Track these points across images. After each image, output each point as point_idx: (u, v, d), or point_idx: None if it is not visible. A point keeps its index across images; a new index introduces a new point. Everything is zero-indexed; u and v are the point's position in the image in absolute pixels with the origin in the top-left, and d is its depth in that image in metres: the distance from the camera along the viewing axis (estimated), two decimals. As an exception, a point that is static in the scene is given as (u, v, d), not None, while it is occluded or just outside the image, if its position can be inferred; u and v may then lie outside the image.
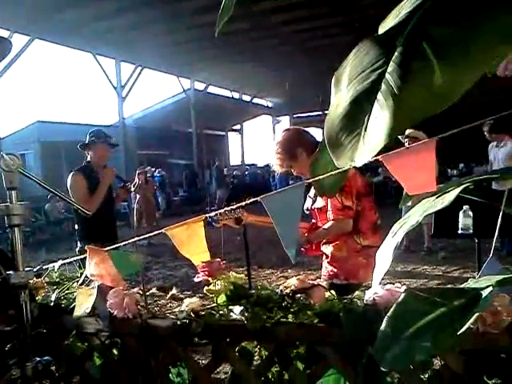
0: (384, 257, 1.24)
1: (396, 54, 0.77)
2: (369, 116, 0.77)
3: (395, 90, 0.74)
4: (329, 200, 2.71)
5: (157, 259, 8.61)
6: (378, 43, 0.84)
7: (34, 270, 1.43)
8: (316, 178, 1.46)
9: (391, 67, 0.76)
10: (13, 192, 1.36)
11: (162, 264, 8.34)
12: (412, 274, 6.29)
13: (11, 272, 1.36)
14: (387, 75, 0.76)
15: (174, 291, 1.82)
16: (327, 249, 2.83)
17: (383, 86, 0.76)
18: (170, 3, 12.02)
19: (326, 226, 2.75)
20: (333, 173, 1.42)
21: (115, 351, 1.82)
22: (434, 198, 1.25)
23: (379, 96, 0.76)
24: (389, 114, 0.73)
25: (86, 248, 1.81)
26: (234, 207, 1.80)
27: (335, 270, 2.76)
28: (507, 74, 1.22)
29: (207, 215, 1.74)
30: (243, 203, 1.61)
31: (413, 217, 1.23)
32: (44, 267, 1.74)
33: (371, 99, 0.77)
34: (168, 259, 8.74)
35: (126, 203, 15.63)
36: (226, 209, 1.77)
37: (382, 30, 0.89)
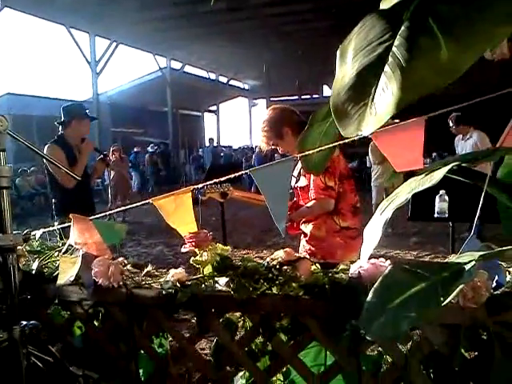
0: (372, 233, 1.26)
1: (403, 28, 0.79)
2: (376, 87, 0.78)
3: (402, 63, 0.76)
4: (311, 179, 2.74)
5: (131, 236, 8.56)
6: (385, 17, 0.86)
7: (23, 233, 1.40)
8: (305, 154, 1.47)
9: (398, 41, 0.78)
10: (1, 154, 1.34)
11: (136, 241, 8.30)
12: (385, 258, 6.40)
13: (-1, 235, 1.34)
14: (394, 48, 0.78)
15: (149, 268, 1.82)
16: (306, 228, 2.86)
17: (390, 59, 0.77)
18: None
19: (308, 205, 2.79)
20: (321, 148, 1.44)
21: (98, 320, 1.82)
22: (422, 176, 1.28)
23: (386, 68, 0.77)
24: (396, 86, 0.75)
25: (70, 217, 1.79)
26: (222, 179, 1.80)
27: (313, 249, 2.81)
28: (494, 57, 1.25)
29: (194, 186, 1.75)
30: (235, 175, 1.62)
31: (401, 195, 1.25)
32: (34, 232, 1.71)
33: (378, 71, 0.78)
34: (142, 237, 8.71)
35: (100, 180, 15.46)
36: (215, 180, 1.77)
37: (385, 4, 0.90)
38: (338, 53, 0.89)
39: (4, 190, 1.35)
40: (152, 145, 18.53)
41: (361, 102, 0.80)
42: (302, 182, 2.82)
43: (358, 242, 2.84)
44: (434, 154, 13.47)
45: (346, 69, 0.85)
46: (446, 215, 3.26)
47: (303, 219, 2.88)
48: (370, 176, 8.18)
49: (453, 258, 1.42)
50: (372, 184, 8.04)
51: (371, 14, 0.88)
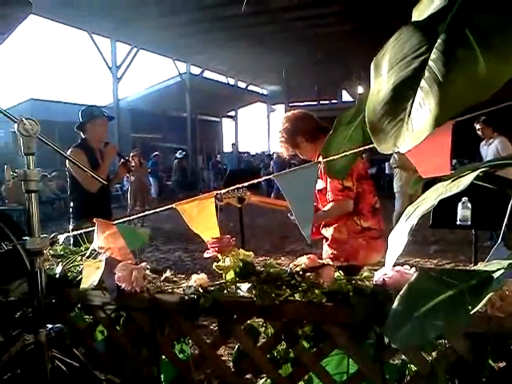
0: (397, 240, 1.24)
1: (439, 41, 0.77)
2: (412, 103, 0.77)
3: (439, 78, 0.74)
4: (328, 181, 2.73)
5: (150, 242, 8.60)
6: (420, 30, 0.84)
7: (50, 236, 1.42)
8: (329, 159, 1.46)
9: (434, 54, 0.76)
10: (30, 157, 1.35)
11: (154, 247, 8.33)
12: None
13: (27, 238, 1.35)
14: (430, 62, 0.76)
15: (168, 274, 1.83)
16: (327, 231, 2.86)
17: (427, 73, 0.76)
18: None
19: (326, 208, 2.78)
20: (346, 153, 1.43)
21: (120, 325, 1.83)
22: (449, 182, 1.26)
23: (423, 83, 0.76)
24: (434, 102, 0.73)
25: (91, 221, 1.81)
26: (241, 186, 1.80)
27: (335, 252, 2.79)
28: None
29: (217, 192, 1.75)
30: (254, 181, 1.61)
31: (427, 201, 1.24)
32: (58, 236, 1.73)
33: (415, 86, 0.77)
34: (161, 242, 8.74)
35: (119, 185, 15.60)
36: (236, 186, 1.77)
37: (416, 15, 0.89)
38: (372, 66, 0.88)
39: (32, 194, 1.37)
40: (180, 151, 18.79)
41: (397, 118, 0.79)
42: (320, 184, 2.81)
43: (380, 242, 2.82)
44: (455, 161, 13.30)
45: (381, 83, 0.84)
46: (469, 223, 3.21)
47: (323, 223, 2.87)
48: (388, 182, 8.12)
49: (480, 266, 1.40)
50: (396, 191, 7.95)
51: (406, 26, 0.87)
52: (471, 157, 9.23)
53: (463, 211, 3.22)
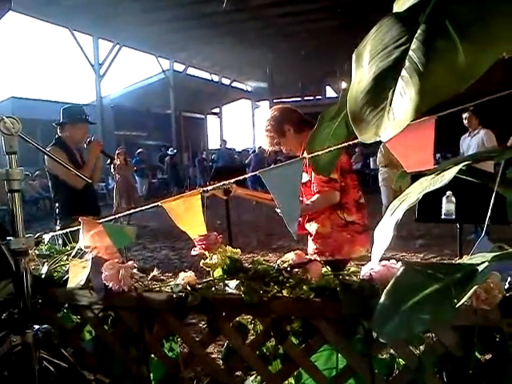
0: (383, 235, 1.25)
1: (419, 31, 0.78)
2: (393, 92, 0.78)
3: (420, 67, 0.75)
4: (313, 173, 2.73)
5: (137, 240, 8.55)
6: (400, 21, 0.85)
7: (35, 236, 1.40)
8: (313, 154, 1.46)
9: (415, 44, 0.77)
10: (12, 156, 1.34)
11: (141, 245, 8.29)
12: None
13: (11, 238, 1.34)
14: (411, 52, 0.77)
15: (155, 272, 1.82)
16: (311, 226, 2.86)
17: (407, 63, 0.77)
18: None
19: (311, 199, 2.78)
20: (331, 149, 1.43)
21: (108, 324, 1.82)
22: (433, 176, 1.27)
23: (404, 72, 0.77)
24: (414, 91, 0.74)
25: (78, 220, 1.79)
26: (227, 182, 1.80)
27: (320, 247, 2.80)
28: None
29: (203, 189, 1.74)
30: (243, 177, 1.61)
31: (412, 195, 1.25)
32: (43, 235, 1.72)
33: (395, 75, 0.78)
34: (148, 241, 8.70)
35: (104, 184, 15.47)
36: (224, 182, 1.76)
37: (397, 7, 0.90)
38: (353, 57, 0.89)
39: (16, 193, 1.35)
40: (171, 148, 18.86)
41: (378, 107, 0.80)
42: (304, 177, 2.81)
43: (364, 236, 2.83)
44: (438, 155, 13.44)
45: (363, 73, 0.85)
46: (453, 216, 3.25)
47: (307, 218, 2.88)
48: (374, 177, 8.17)
49: (465, 259, 1.41)
50: (380, 185, 8.00)
51: (386, 17, 0.88)
52: (453, 152, 9.33)
53: (448, 205, 3.25)
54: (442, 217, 3.28)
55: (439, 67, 0.74)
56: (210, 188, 1.79)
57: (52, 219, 4.45)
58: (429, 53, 0.75)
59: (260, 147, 14.66)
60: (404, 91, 0.76)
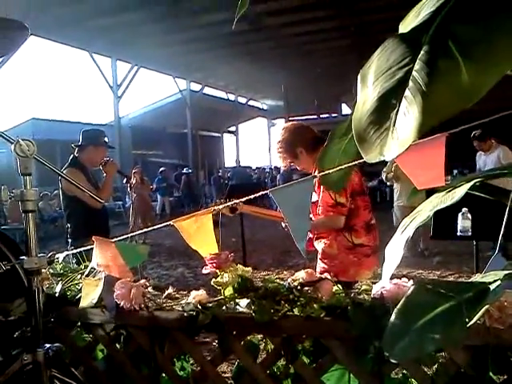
0: (394, 252, 1.24)
1: (422, 52, 0.79)
2: (397, 112, 0.79)
3: (423, 87, 0.76)
4: (321, 195, 2.73)
5: (152, 259, 8.59)
6: (404, 41, 0.86)
7: (47, 255, 1.42)
8: (324, 173, 1.47)
9: (418, 65, 0.78)
10: (27, 178, 1.37)
11: (157, 263, 8.31)
12: (407, 278, 6.31)
13: (24, 257, 1.36)
14: (414, 73, 0.78)
15: (170, 290, 1.83)
16: (318, 245, 2.86)
17: (411, 83, 0.78)
18: (168, 3, 12.01)
19: (317, 219, 2.77)
20: (341, 167, 1.44)
21: (120, 343, 1.82)
22: (444, 193, 1.26)
23: (407, 93, 0.78)
24: (418, 111, 0.75)
25: (91, 240, 1.81)
26: (241, 200, 1.80)
27: (326, 267, 2.78)
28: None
29: (215, 208, 1.75)
30: (255, 195, 1.62)
31: (423, 212, 1.24)
32: (56, 255, 1.74)
33: (399, 96, 0.79)
34: (163, 259, 8.72)
35: (121, 202, 15.61)
36: (233, 203, 1.77)
37: (403, 28, 0.91)
38: (358, 77, 0.90)
39: (30, 214, 1.38)
40: (186, 168, 19.15)
41: (382, 127, 0.80)
42: (314, 197, 2.81)
43: (372, 259, 2.81)
44: (455, 172, 13.31)
45: (367, 93, 0.86)
46: (470, 233, 3.20)
47: (315, 236, 2.86)
48: (390, 194, 8.14)
49: (477, 278, 1.39)
50: (394, 204, 7.92)
51: (391, 38, 0.89)
52: (472, 168, 9.24)
53: (463, 222, 3.21)
54: (458, 234, 3.24)
55: (442, 87, 0.75)
56: (218, 208, 1.79)
57: (64, 240, 4.46)
58: (432, 73, 0.76)
59: (281, 166, 14.66)
60: (407, 111, 0.77)
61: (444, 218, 3.27)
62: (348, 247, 2.77)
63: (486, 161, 6.89)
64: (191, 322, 1.58)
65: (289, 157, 2.92)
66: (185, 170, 18.82)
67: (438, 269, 6.74)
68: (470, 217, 3.18)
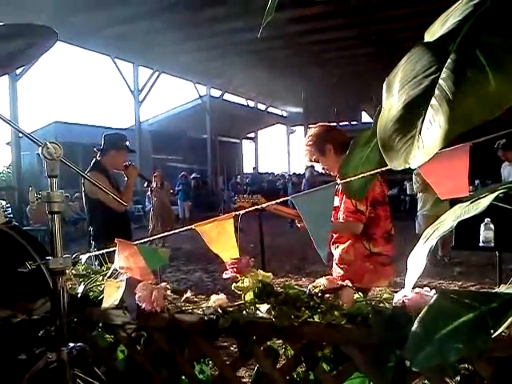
0: (416, 262, 1.23)
1: (449, 60, 0.79)
2: (423, 120, 0.79)
3: (449, 96, 0.76)
4: (343, 201, 2.73)
5: (171, 262, 8.64)
6: (431, 50, 0.87)
7: (72, 256, 1.45)
8: (346, 180, 1.47)
9: (445, 73, 0.78)
10: (54, 180, 1.39)
11: (175, 267, 8.36)
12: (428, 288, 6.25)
13: (50, 258, 1.39)
14: (441, 81, 0.78)
15: (188, 294, 1.84)
16: (336, 250, 2.86)
17: (437, 92, 0.78)
18: (189, 10, 12.14)
19: (335, 222, 2.77)
20: (364, 175, 1.44)
21: (140, 344, 1.84)
22: (467, 203, 1.25)
23: (433, 101, 0.78)
24: (444, 119, 0.75)
25: (113, 242, 1.84)
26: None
27: (342, 273, 2.78)
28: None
29: (236, 213, 1.76)
30: (278, 200, 1.63)
31: (445, 222, 1.23)
32: (80, 256, 1.77)
33: (425, 104, 0.79)
34: (182, 263, 8.77)
35: (141, 206, 15.75)
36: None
37: (429, 37, 0.92)
38: (384, 85, 0.91)
39: (55, 215, 1.40)
40: (194, 174, 19.25)
41: (408, 135, 0.81)
42: (335, 201, 2.81)
43: (388, 269, 2.81)
44: (477, 182, 13.14)
45: (393, 101, 0.86)
46: (492, 244, 3.17)
47: (332, 240, 2.86)
48: (410, 203, 8.07)
49: (502, 289, 1.38)
50: (418, 212, 7.84)
51: (417, 47, 0.89)
52: (494, 178, 9.13)
53: (486, 232, 3.17)
54: (480, 244, 3.20)
55: (469, 96, 0.75)
56: (242, 212, 1.80)
57: (87, 243, 4.52)
58: (459, 82, 0.76)
59: (310, 168, 14.58)
60: (433, 119, 0.77)
61: (466, 229, 3.24)
62: (365, 255, 2.77)
63: (510, 171, 6.82)
64: (211, 325, 1.59)
65: (316, 152, 2.92)
66: (194, 175, 18.82)
67: (459, 279, 6.65)
68: (493, 227, 3.15)
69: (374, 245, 2.77)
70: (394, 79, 0.89)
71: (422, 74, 0.83)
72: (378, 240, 2.79)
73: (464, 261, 7.57)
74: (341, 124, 23.18)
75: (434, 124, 0.76)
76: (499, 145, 6.72)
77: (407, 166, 0.82)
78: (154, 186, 10.24)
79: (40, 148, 1.37)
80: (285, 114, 31.58)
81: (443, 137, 0.75)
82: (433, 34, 0.91)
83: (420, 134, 0.79)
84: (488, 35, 0.78)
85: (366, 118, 25.04)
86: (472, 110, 0.74)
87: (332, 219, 2.81)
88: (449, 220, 1.22)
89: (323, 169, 3.01)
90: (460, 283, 6.46)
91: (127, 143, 4.43)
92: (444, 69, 0.79)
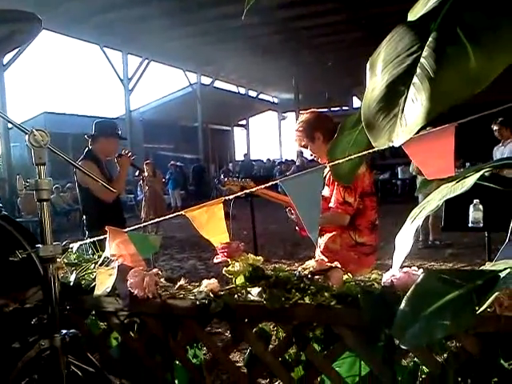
0: (403, 241, 1.25)
1: (430, 39, 0.80)
2: (405, 99, 0.80)
3: (431, 74, 0.77)
4: (334, 191, 2.75)
5: (164, 251, 8.66)
6: (412, 29, 0.87)
7: (62, 244, 1.46)
8: (334, 163, 1.47)
9: (426, 52, 0.79)
10: (41, 167, 1.40)
11: (169, 256, 8.39)
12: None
13: (39, 245, 1.39)
14: (422, 59, 0.79)
15: (182, 282, 1.85)
16: (321, 239, 2.88)
17: (419, 70, 0.79)
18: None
19: (323, 215, 2.79)
20: (351, 157, 1.44)
21: (134, 331, 1.86)
22: (453, 183, 1.27)
23: (415, 79, 0.79)
24: (425, 97, 0.76)
25: (105, 230, 1.85)
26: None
27: (326, 261, 2.80)
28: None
29: (225, 198, 1.77)
30: (267, 184, 1.64)
31: (432, 202, 1.25)
32: (70, 244, 1.77)
33: (407, 83, 0.80)
34: (175, 251, 8.79)
35: (133, 195, 15.70)
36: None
37: (412, 16, 0.92)
38: (367, 65, 0.91)
39: (44, 203, 1.41)
40: (179, 161, 19.15)
41: (391, 114, 0.82)
42: (325, 191, 2.83)
43: (371, 258, 2.88)
44: (468, 164, 13.20)
45: (376, 81, 0.87)
46: (481, 225, 3.20)
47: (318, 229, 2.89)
48: (402, 187, 8.15)
49: (487, 266, 1.40)
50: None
51: (399, 26, 0.89)
52: (485, 160, 9.17)
53: (475, 213, 3.20)
54: (470, 225, 3.23)
55: (450, 73, 0.75)
56: (231, 197, 1.81)
57: (82, 230, 4.53)
58: (440, 60, 0.77)
59: (301, 154, 14.35)
60: (415, 97, 0.78)
61: (455, 210, 3.27)
62: (350, 245, 2.82)
63: (503, 152, 6.86)
64: (203, 310, 1.60)
65: (306, 139, 2.95)
66: (178, 163, 18.71)
67: (451, 261, 6.73)
68: (482, 208, 3.17)
69: (360, 235, 2.82)
70: (376, 59, 0.90)
71: (404, 53, 0.83)
72: (364, 230, 2.83)
73: (455, 242, 7.65)
74: (332, 109, 23.16)
75: (416, 102, 0.77)
76: (497, 120, 6.75)
77: (391, 145, 0.83)
78: (146, 175, 10.21)
79: (27, 136, 1.37)
80: (276, 100, 31.45)
81: (425, 114, 0.75)
82: (416, 13, 0.92)
83: (403, 112, 0.80)
84: (468, 13, 0.78)
85: (357, 103, 25.03)
86: (453, 87, 0.75)
87: (322, 209, 2.85)
88: (435, 199, 1.24)
89: (311, 155, 3.03)
90: (451, 264, 6.53)
91: (118, 131, 4.40)
92: (425, 47, 0.79)
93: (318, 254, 2.91)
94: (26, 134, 1.37)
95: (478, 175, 1.21)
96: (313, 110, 3.08)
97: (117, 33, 14.88)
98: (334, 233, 2.84)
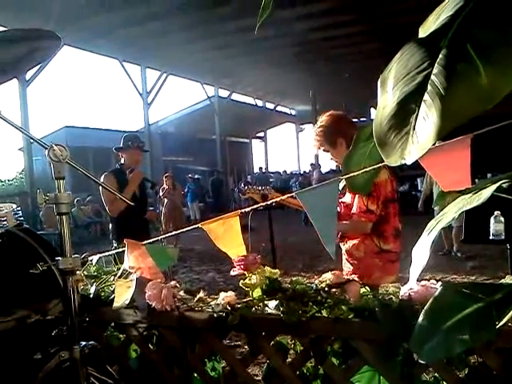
0: (420, 254, 1.24)
1: (441, 56, 0.80)
2: (416, 116, 0.80)
3: (441, 91, 0.77)
4: (356, 199, 2.73)
5: (183, 263, 8.69)
6: (423, 46, 0.88)
7: (81, 257, 1.48)
8: (348, 175, 1.47)
9: (436, 69, 0.79)
10: (61, 181, 1.43)
11: (188, 268, 8.42)
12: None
13: (59, 258, 1.42)
14: (433, 77, 0.79)
15: (201, 294, 1.86)
16: (345, 246, 2.86)
17: (429, 88, 0.79)
18: (195, 11, 12.14)
19: (345, 222, 2.77)
20: (366, 169, 1.44)
21: (152, 343, 1.87)
22: (470, 195, 1.26)
23: (426, 97, 0.79)
24: (436, 114, 0.76)
25: (125, 242, 1.87)
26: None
27: (351, 268, 2.78)
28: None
29: (242, 210, 1.78)
30: (283, 197, 1.64)
31: (448, 214, 1.24)
32: (89, 257, 1.80)
33: (418, 100, 0.80)
34: (194, 263, 8.81)
35: (152, 208, 15.80)
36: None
37: (422, 33, 0.93)
38: (378, 82, 0.92)
39: (64, 216, 1.44)
40: (196, 174, 19.32)
41: (403, 131, 0.82)
42: (347, 198, 2.81)
43: (395, 265, 2.82)
44: (489, 175, 13.01)
45: (387, 98, 0.87)
46: (503, 237, 3.15)
47: (339, 235, 2.85)
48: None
49: (507, 279, 1.38)
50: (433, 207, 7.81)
51: (410, 43, 0.90)
52: (507, 171, 9.03)
53: (496, 225, 3.16)
54: (491, 237, 3.18)
55: (461, 90, 0.76)
56: (248, 209, 1.82)
57: (103, 242, 4.68)
58: (450, 77, 0.77)
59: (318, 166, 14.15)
60: (427, 115, 0.78)
61: (476, 222, 3.23)
62: (374, 251, 2.77)
63: None
64: (220, 322, 1.61)
65: (326, 144, 2.85)
66: (196, 176, 18.85)
67: (473, 274, 6.61)
68: (503, 220, 3.13)
69: (384, 242, 2.77)
70: (387, 76, 0.90)
71: (414, 70, 0.83)
72: (389, 237, 2.78)
73: (478, 255, 7.52)
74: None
75: (428, 120, 0.78)
76: None
77: (403, 162, 0.84)
78: (166, 188, 10.30)
79: (46, 150, 1.40)
80: (294, 112, 31.51)
81: (437, 132, 0.76)
82: (426, 29, 0.92)
83: (414, 129, 0.80)
84: (478, 29, 0.79)
85: (374, 114, 24.95)
86: (464, 104, 0.75)
87: (342, 215, 2.83)
88: (451, 211, 1.23)
89: (331, 159, 2.95)
90: (474, 277, 6.42)
91: (140, 143, 4.65)
92: (436, 64, 0.80)
93: (343, 261, 2.89)
94: (46, 148, 1.40)
95: (494, 187, 1.20)
96: (332, 112, 2.95)
97: (136, 47, 15.09)
98: (357, 240, 2.80)
